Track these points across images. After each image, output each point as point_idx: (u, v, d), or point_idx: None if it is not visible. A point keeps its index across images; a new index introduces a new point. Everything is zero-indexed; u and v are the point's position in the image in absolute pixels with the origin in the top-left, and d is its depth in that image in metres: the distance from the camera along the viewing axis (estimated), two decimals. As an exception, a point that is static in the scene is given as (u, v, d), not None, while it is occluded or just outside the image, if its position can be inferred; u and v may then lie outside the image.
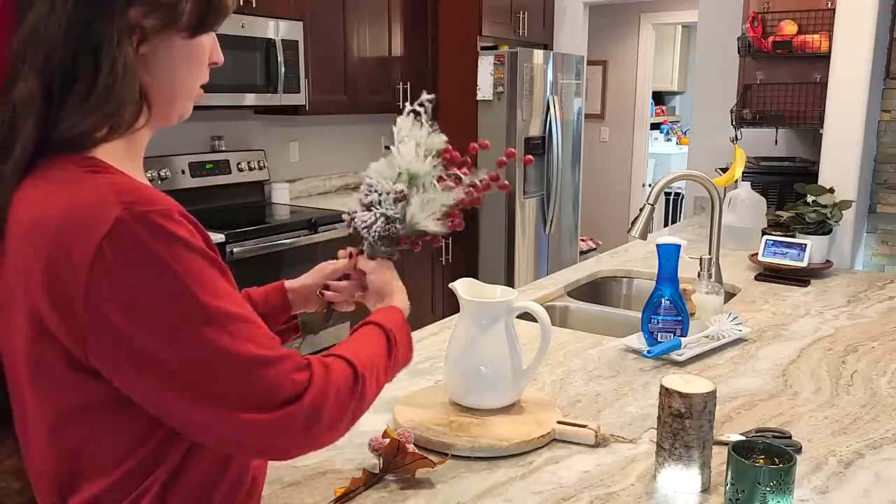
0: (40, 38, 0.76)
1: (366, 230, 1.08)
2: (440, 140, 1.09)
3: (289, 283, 1.15)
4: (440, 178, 1.08)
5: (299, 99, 3.75)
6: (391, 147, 1.10)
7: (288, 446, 0.80)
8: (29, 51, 0.77)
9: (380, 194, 1.07)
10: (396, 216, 1.06)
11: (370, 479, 1.08)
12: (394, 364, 0.95)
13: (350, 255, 1.13)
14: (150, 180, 2.25)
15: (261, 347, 0.76)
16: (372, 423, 1.27)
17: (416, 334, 1.74)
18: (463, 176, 1.10)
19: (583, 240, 5.97)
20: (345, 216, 1.13)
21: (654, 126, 7.66)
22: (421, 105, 1.09)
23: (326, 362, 0.83)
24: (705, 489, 1.07)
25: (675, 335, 1.63)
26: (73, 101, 0.76)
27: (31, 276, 0.73)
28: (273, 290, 1.14)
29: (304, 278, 1.15)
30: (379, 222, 1.07)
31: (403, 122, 1.11)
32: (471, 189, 1.10)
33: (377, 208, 1.07)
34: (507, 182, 1.16)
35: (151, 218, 0.72)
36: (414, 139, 1.08)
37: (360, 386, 0.84)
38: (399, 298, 1.07)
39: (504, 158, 1.16)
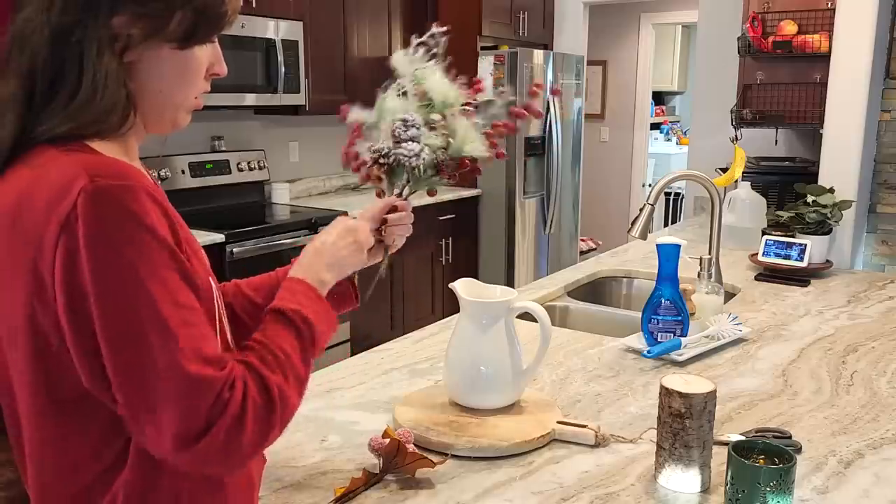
0: (25, 40, 0.77)
1: (415, 158, 1.08)
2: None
3: None
4: (463, 107, 1.12)
5: (299, 99, 3.75)
6: (400, 82, 1.12)
7: (214, 465, 0.76)
8: (14, 50, 0.77)
9: (418, 128, 1.08)
10: (441, 145, 1.09)
11: (370, 479, 1.08)
12: (312, 342, 0.88)
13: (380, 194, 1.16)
14: (150, 180, 2.21)
15: (200, 362, 0.73)
16: (372, 423, 1.27)
17: (415, 334, 1.75)
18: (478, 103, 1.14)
19: (583, 240, 5.97)
20: (367, 155, 1.12)
21: (654, 126, 7.66)
22: (432, 37, 1.12)
23: (241, 376, 0.77)
24: (705, 489, 1.07)
25: (675, 335, 1.63)
26: (54, 105, 0.76)
27: (15, 261, 0.73)
28: None
29: None
30: (425, 150, 1.09)
31: (411, 59, 1.13)
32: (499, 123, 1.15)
33: (419, 140, 1.09)
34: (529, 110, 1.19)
35: (114, 192, 0.71)
36: (436, 69, 1.11)
37: (277, 393, 0.79)
38: (311, 270, 0.94)
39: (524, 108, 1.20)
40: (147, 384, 0.72)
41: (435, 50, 1.12)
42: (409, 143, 1.08)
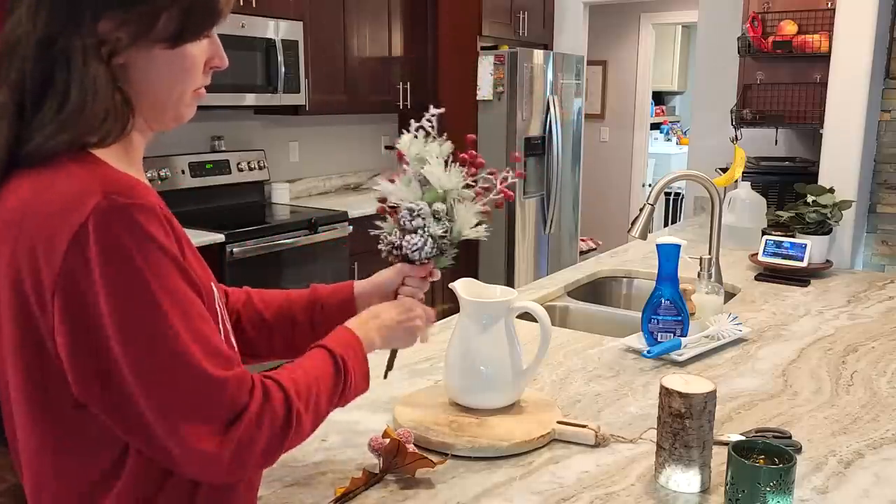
0: (12, 49, 0.76)
1: (417, 252, 1.12)
2: (448, 147, 1.15)
3: (357, 283, 1.18)
4: (467, 186, 1.14)
5: (299, 99, 3.75)
6: (407, 167, 1.14)
7: (221, 471, 0.77)
8: (4, 59, 0.77)
9: (424, 218, 1.11)
10: (443, 234, 1.12)
11: (370, 479, 1.08)
12: (343, 390, 0.92)
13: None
14: (150, 180, 2.25)
15: (215, 366, 0.75)
16: (372, 423, 1.27)
17: (416, 334, 1.74)
18: (483, 177, 1.15)
19: (583, 240, 5.96)
20: (381, 247, 1.16)
21: (654, 126, 7.66)
22: (429, 121, 1.14)
23: (267, 387, 0.81)
24: (705, 489, 1.07)
25: (675, 335, 1.63)
26: (43, 114, 0.75)
27: (16, 264, 0.73)
28: (342, 287, 1.17)
29: (378, 275, 1.18)
30: (428, 244, 1.12)
31: (413, 141, 1.14)
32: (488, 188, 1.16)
33: (423, 231, 1.11)
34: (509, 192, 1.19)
35: (129, 212, 0.72)
36: (436, 156, 1.13)
37: (295, 418, 0.82)
38: (364, 328, 1.02)
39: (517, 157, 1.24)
40: (163, 393, 0.73)
41: (431, 131, 1.14)
42: (413, 235, 1.11)
